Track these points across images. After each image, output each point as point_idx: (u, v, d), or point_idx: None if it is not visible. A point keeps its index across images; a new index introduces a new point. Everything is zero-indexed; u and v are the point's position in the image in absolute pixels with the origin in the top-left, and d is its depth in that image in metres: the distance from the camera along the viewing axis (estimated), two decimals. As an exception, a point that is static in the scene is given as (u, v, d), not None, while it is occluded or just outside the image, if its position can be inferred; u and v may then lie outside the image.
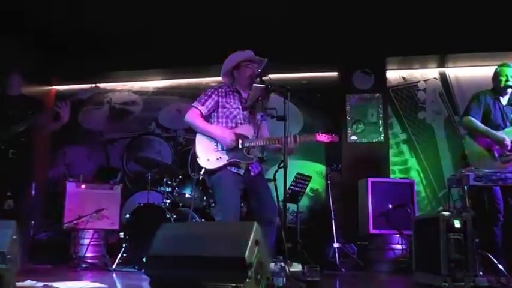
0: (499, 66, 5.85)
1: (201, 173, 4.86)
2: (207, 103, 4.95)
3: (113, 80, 9.58)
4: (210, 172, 4.83)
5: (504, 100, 5.76)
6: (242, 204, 5.79)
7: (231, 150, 4.76)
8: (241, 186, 4.82)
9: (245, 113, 4.98)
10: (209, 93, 5.02)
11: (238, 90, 5.06)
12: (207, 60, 8.40)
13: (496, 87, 5.79)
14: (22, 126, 5.73)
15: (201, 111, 4.92)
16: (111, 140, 9.42)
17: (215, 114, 4.98)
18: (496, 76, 5.79)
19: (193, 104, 4.99)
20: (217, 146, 4.81)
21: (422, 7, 7.25)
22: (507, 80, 5.67)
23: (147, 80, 9.59)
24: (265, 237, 4.46)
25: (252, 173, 4.87)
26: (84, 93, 6.17)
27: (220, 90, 5.04)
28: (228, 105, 4.95)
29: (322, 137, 4.89)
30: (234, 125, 4.91)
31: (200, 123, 4.89)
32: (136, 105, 9.55)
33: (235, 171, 4.80)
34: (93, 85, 6.07)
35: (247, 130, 4.90)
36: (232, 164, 4.78)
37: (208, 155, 4.81)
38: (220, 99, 4.97)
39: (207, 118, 4.98)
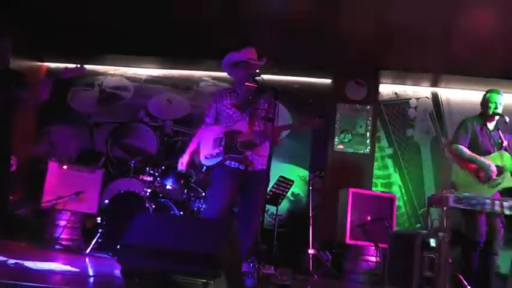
0: (487, 92, 5.88)
1: (203, 170, 5.11)
2: (209, 113, 5.24)
3: (106, 63, 9.51)
4: (208, 168, 5.03)
5: (491, 125, 5.79)
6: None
7: (226, 146, 4.86)
8: (239, 181, 4.92)
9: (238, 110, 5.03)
10: (210, 103, 5.29)
11: (235, 88, 5.18)
12: (203, 53, 8.42)
13: (484, 113, 5.81)
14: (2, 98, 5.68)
15: (205, 124, 5.22)
16: (98, 124, 9.36)
17: (219, 118, 5.17)
18: (485, 102, 5.81)
19: (206, 119, 5.29)
20: (214, 143, 4.94)
21: (420, 24, 7.27)
22: (496, 108, 5.70)
23: (141, 67, 9.52)
24: (242, 238, 4.58)
25: (251, 169, 4.91)
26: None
27: (216, 96, 5.29)
28: (223, 107, 5.12)
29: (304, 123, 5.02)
30: (231, 123, 5.04)
31: (196, 136, 5.24)
32: (127, 91, 9.49)
33: (235, 166, 4.91)
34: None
35: (240, 126, 4.97)
36: (229, 159, 4.89)
37: (206, 152, 4.99)
38: (217, 105, 5.18)
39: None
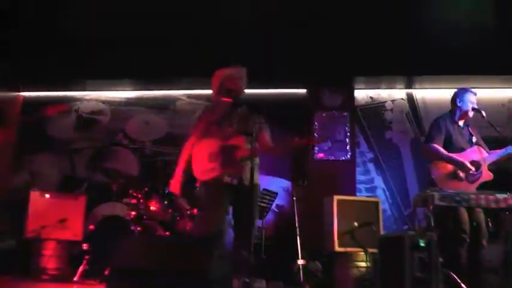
0: (458, 90, 5.95)
1: (197, 185, 5.04)
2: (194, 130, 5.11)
3: (82, 89, 9.46)
4: (202, 183, 4.94)
5: (461, 122, 5.85)
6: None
7: (223, 161, 4.83)
8: (232, 196, 4.88)
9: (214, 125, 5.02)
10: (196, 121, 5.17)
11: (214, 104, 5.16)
12: (178, 72, 8.42)
13: (454, 110, 5.87)
14: None
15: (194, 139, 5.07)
16: (77, 149, 9.28)
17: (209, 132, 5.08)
18: (455, 100, 5.88)
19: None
20: (210, 157, 4.88)
21: (390, 28, 7.35)
22: (466, 105, 5.77)
23: (116, 89, 9.48)
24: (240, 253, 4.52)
25: (245, 182, 4.87)
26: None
27: (203, 113, 5.17)
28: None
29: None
30: (223, 138, 4.96)
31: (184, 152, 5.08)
32: (104, 115, 9.44)
33: (228, 181, 4.85)
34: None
35: (238, 141, 4.92)
36: (227, 174, 4.84)
37: (201, 167, 4.92)
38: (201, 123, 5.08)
39: None
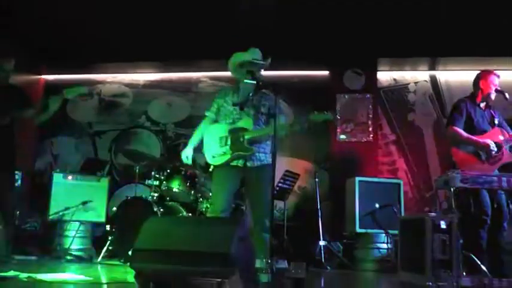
0: (480, 72, 5.88)
1: (210, 169, 5.16)
2: (212, 108, 5.26)
3: (104, 72, 9.56)
4: (215, 167, 5.07)
5: (482, 104, 5.79)
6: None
7: (233, 144, 4.92)
8: (239, 177, 5.01)
9: (238, 108, 5.04)
10: (215, 97, 5.31)
11: (237, 87, 5.20)
12: (199, 54, 8.44)
13: (477, 92, 5.81)
14: (4, 121, 5.72)
15: (211, 118, 5.26)
16: (100, 132, 9.37)
17: (220, 114, 5.20)
18: (477, 82, 5.81)
19: (205, 113, 5.32)
20: (220, 142, 4.98)
21: (415, 10, 7.26)
22: (489, 88, 5.70)
23: (138, 72, 9.56)
24: (256, 235, 4.61)
25: (250, 165, 4.95)
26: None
27: (221, 92, 5.34)
28: (225, 104, 5.16)
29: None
30: (231, 120, 5.07)
31: (198, 129, 5.28)
32: (126, 98, 9.51)
33: (234, 163, 4.95)
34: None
35: (245, 123, 5.00)
36: (237, 157, 4.93)
37: (213, 152, 5.02)
38: (220, 101, 5.21)
39: (217, 119, 5.24)
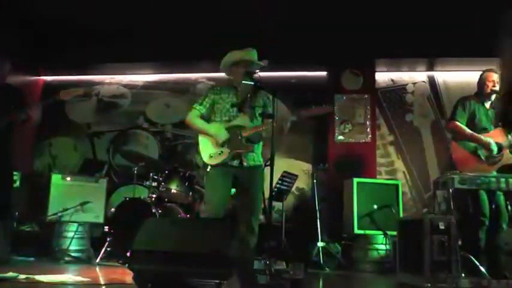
0: (484, 71, 5.88)
1: (207, 169, 5.00)
2: (204, 102, 5.12)
3: (102, 73, 9.53)
4: (212, 167, 4.97)
5: (487, 104, 5.79)
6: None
7: (230, 142, 4.87)
8: (232, 177, 4.93)
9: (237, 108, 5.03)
10: (207, 93, 5.20)
11: (235, 85, 5.13)
12: (197, 55, 8.42)
13: (481, 92, 5.81)
14: (2, 122, 5.71)
15: (199, 111, 5.08)
16: (98, 133, 9.36)
17: (213, 111, 5.09)
18: (482, 81, 5.81)
19: (193, 105, 5.16)
20: (217, 141, 4.92)
21: (413, 11, 7.27)
22: (493, 86, 5.70)
23: (137, 73, 9.53)
24: (243, 235, 4.59)
25: (245, 164, 4.91)
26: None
27: (216, 88, 5.21)
28: (221, 101, 5.07)
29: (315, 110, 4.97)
30: (227, 118, 5.00)
31: (196, 123, 5.07)
32: (125, 99, 9.50)
33: (228, 162, 4.88)
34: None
35: (242, 121, 4.96)
36: (236, 155, 4.88)
37: (210, 151, 4.94)
38: (215, 97, 5.10)
39: (209, 115, 5.12)
